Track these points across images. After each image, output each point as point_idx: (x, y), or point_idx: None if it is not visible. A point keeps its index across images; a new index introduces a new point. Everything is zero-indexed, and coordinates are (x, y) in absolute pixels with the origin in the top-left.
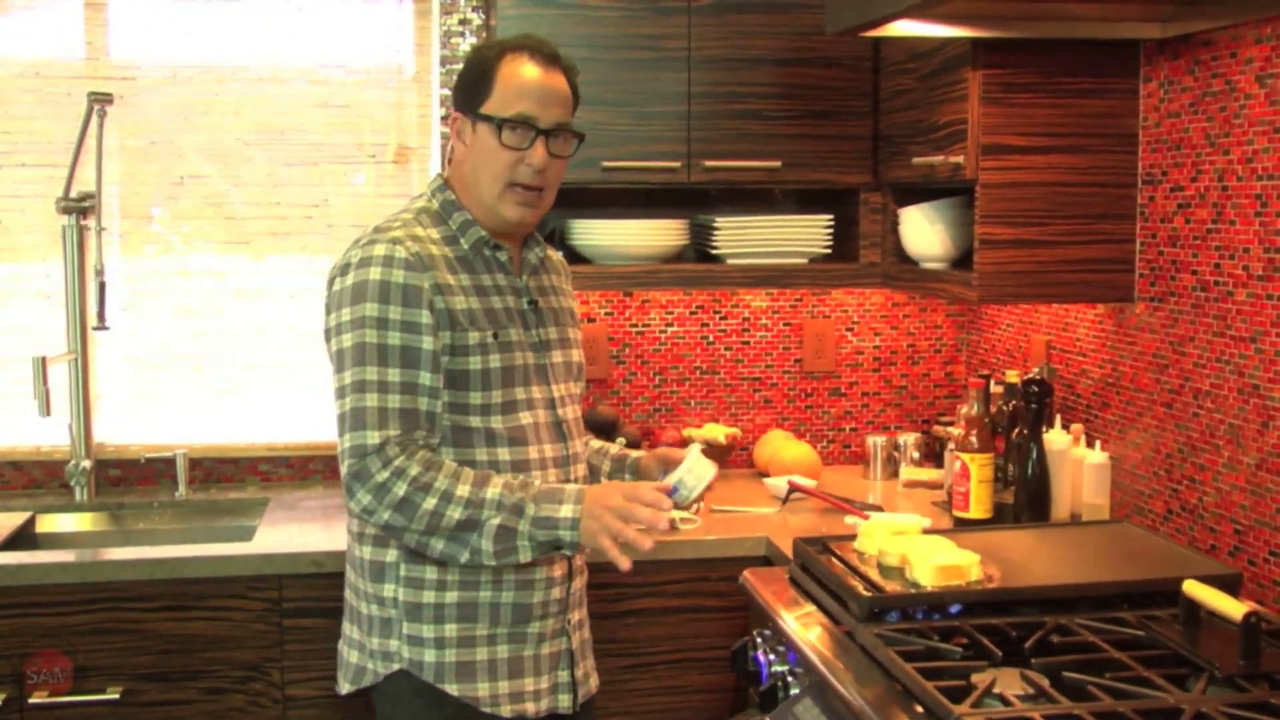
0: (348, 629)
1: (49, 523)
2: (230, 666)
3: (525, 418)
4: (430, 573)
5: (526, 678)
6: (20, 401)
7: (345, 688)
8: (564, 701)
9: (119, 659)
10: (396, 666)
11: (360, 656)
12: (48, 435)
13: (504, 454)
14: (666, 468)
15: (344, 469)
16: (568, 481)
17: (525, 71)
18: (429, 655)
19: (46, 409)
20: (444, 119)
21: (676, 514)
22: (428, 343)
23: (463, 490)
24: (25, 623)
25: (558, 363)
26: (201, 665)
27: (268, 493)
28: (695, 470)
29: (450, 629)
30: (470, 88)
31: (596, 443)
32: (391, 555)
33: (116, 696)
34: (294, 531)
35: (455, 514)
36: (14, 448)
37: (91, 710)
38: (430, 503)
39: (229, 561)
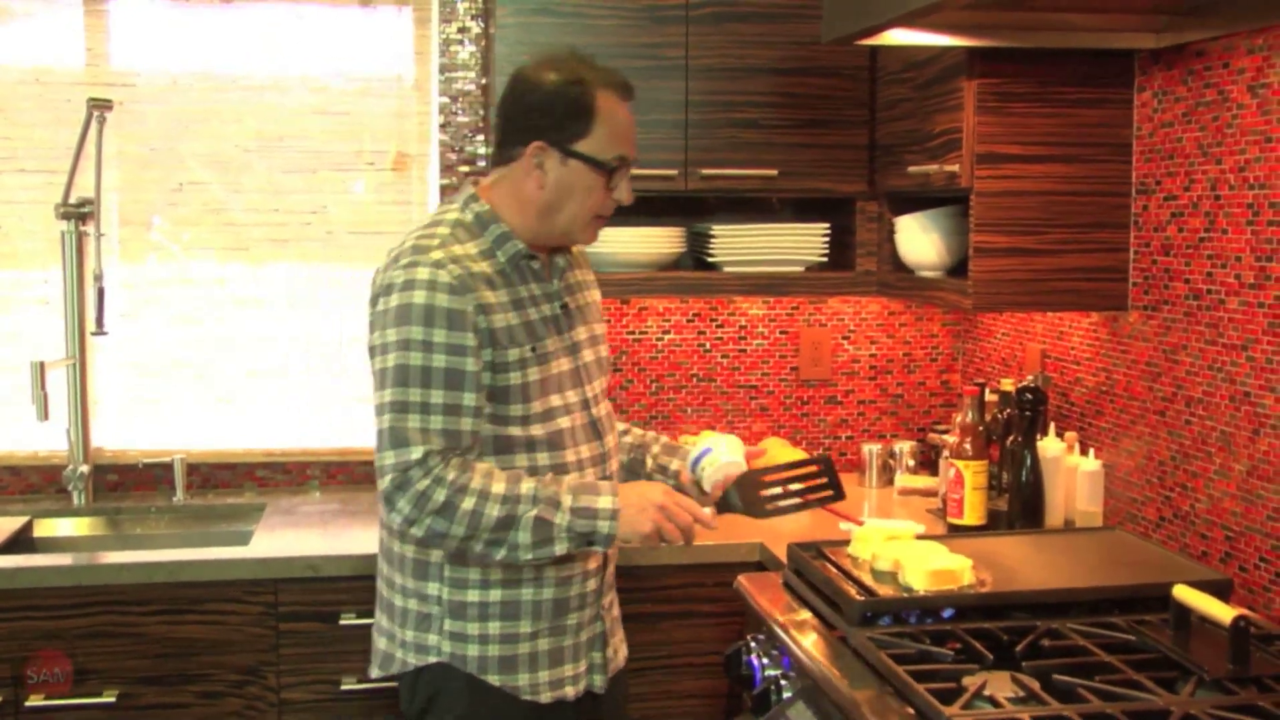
0: (379, 616)
1: (46, 527)
2: (226, 670)
3: (563, 422)
4: (474, 572)
5: (565, 665)
6: (18, 406)
7: (375, 672)
8: (597, 681)
9: (116, 662)
10: (434, 660)
11: (389, 645)
12: (46, 440)
13: (543, 459)
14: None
15: (384, 483)
16: (604, 478)
17: (621, 114)
18: (472, 650)
19: (44, 414)
20: (442, 127)
21: None
22: (471, 364)
23: (498, 488)
24: (22, 626)
25: (589, 361)
26: (198, 669)
27: (264, 498)
28: (726, 464)
29: (494, 626)
30: (562, 122)
31: (638, 432)
32: (436, 555)
33: (113, 700)
34: (290, 537)
35: (494, 511)
36: (12, 453)
37: (88, 714)
38: (469, 503)
39: (226, 566)
